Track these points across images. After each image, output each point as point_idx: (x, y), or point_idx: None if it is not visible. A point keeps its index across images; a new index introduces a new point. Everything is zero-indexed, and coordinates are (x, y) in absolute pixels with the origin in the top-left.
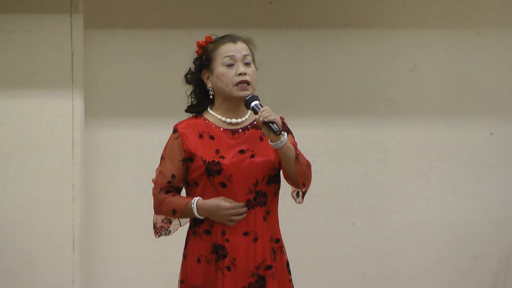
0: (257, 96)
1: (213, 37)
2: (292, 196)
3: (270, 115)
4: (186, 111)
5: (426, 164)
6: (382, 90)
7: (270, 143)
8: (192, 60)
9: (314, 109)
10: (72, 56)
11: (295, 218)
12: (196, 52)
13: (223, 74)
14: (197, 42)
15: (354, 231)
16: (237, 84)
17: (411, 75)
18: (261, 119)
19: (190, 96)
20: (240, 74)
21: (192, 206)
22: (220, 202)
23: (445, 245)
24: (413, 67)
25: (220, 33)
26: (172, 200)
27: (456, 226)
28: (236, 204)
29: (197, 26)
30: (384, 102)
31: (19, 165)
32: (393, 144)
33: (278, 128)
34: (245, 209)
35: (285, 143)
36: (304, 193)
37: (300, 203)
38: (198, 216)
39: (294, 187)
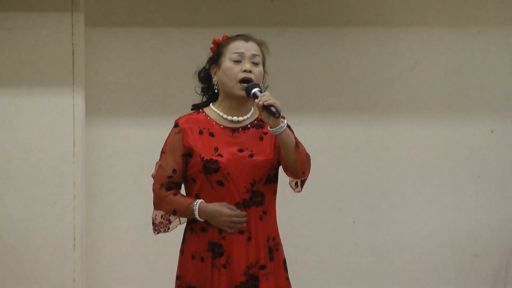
0: (257, 84)
1: (230, 36)
2: (291, 186)
3: (270, 99)
4: (192, 109)
5: (427, 162)
6: (383, 88)
7: (270, 129)
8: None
9: (315, 107)
10: (73, 54)
11: (295, 216)
12: (211, 49)
13: (228, 69)
14: (213, 40)
15: (355, 229)
16: (240, 81)
17: (412, 73)
18: (260, 102)
19: (201, 93)
20: (245, 71)
21: (194, 208)
22: (222, 208)
23: (445, 243)
24: (414, 65)
25: (221, 31)
26: (173, 200)
27: (457, 224)
28: (238, 212)
29: (198, 25)
30: (385, 100)
31: (20, 163)
32: (394, 142)
33: (278, 110)
34: (245, 218)
35: (284, 129)
36: (303, 182)
37: (299, 191)
38: (199, 219)
39: (293, 177)
